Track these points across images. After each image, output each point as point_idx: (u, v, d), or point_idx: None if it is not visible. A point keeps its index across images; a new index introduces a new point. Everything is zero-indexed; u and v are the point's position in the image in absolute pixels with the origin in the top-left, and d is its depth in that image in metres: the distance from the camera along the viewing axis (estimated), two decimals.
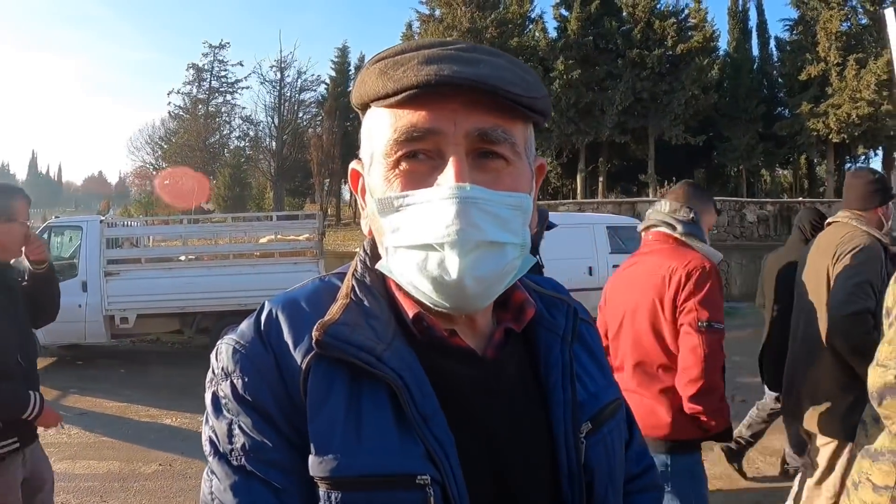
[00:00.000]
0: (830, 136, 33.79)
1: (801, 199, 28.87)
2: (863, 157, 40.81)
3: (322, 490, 0.90)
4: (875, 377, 2.70)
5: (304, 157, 43.62)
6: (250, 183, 49.87)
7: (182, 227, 13.76)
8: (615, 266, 13.77)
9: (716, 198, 18.93)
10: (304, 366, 0.95)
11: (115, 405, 8.95)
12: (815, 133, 33.95)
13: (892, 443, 2.77)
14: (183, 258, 12.39)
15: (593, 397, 1.13)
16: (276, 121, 44.55)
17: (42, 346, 10.89)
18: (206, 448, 0.98)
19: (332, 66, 48.49)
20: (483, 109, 0.93)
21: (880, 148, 37.17)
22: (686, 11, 36.38)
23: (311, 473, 0.91)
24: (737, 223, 22.38)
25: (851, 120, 32.48)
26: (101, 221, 11.74)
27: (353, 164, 1.12)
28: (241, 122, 48.12)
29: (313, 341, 0.95)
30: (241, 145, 48.72)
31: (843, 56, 33.28)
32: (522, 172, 1.00)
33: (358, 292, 1.04)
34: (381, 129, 0.98)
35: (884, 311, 2.90)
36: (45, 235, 11.59)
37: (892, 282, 2.90)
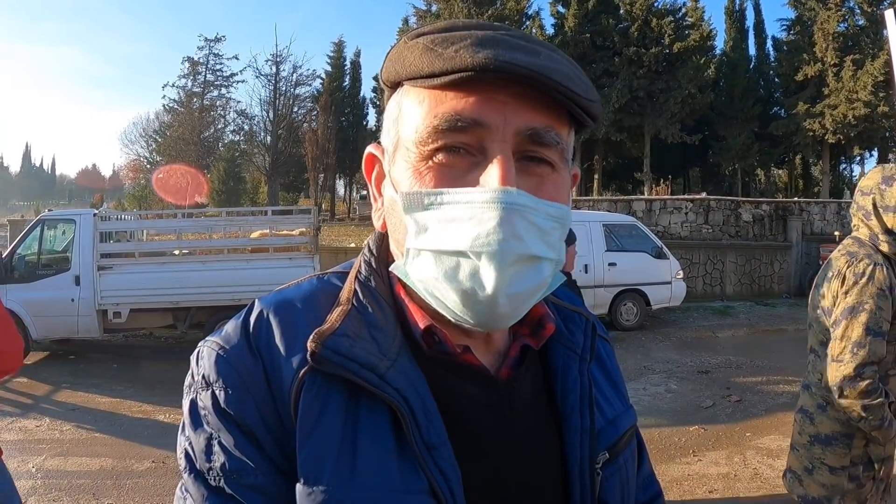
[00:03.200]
0: (826, 137, 33.92)
1: (796, 198, 28.93)
2: (858, 158, 41.05)
3: None
4: (833, 372, 2.97)
5: (299, 152, 43.58)
6: (245, 177, 49.90)
7: (176, 221, 13.67)
8: (611, 264, 13.87)
9: (711, 197, 19.07)
10: (296, 381, 0.84)
11: (107, 401, 8.87)
12: (811, 133, 34.08)
13: (843, 427, 3.09)
14: (177, 252, 12.31)
15: (611, 424, 1.03)
16: (271, 115, 44.57)
17: (34, 340, 10.89)
18: (182, 462, 0.87)
19: (328, 61, 48.51)
20: (536, 106, 0.83)
21: (876, 149, 37.30)
22: (683, 10, 36.45)
23: (297, 499, 0.81)
24: (732, 222, 22.37)
25: (847, 121, 32.59)
26: (95, 215, 11.66)
27: (371, 148, 0.98)
28: (235, 116, 48.19)
29: (308, 354, 0.84)
30: (236, 139, 48.75)
31: (840, 57, 33.39)
32: (564, 181, 0.90)
33: (361, 298, 0.92)
34: (415, 112, 0.86)
35: (819, 311, 3.19)
36: (38, 229, 11.56)
37: (824, 283, 3.17)
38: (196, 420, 0.86)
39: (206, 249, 12.19)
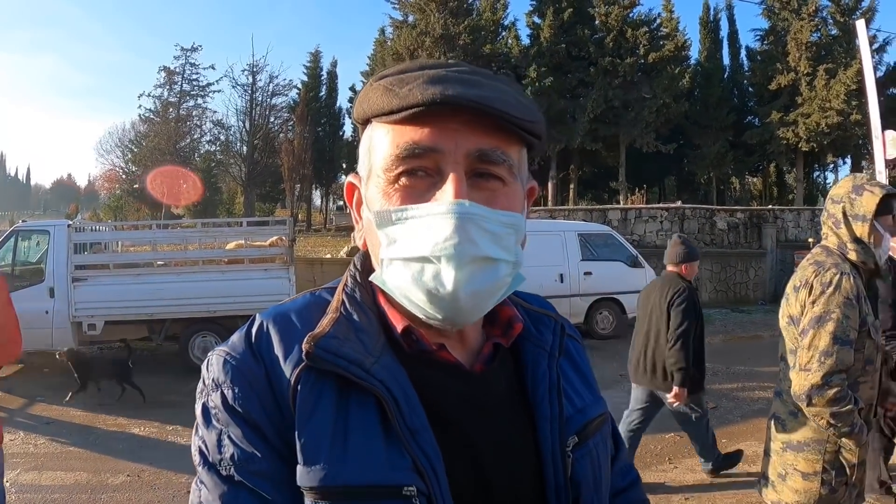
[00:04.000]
0: (800, 145, 34.43)
1: (770, 206, 29.21)
2: (831, 166, 41.59)
3: (309, 500, 0.92)
4: (800, 380, 3.02)
5: (275, 163, 43.54)
6: (221, 188, 49.69)
7: (151, 232, 13.58)
8: (586, 273, 13.95)
9: (685, 205, 19.15)
10: (293, 378, 0.96)
11: (82, 414, 8.80)
12: (785, 142, 34.56)
13: (814, 433, 3.14)
14: (161, 263, 12.22)
15: (579, 412, 1.14)
16: (248, 125, 44.49)
17: None
18: (196, 458, 0.99)
19: (305, 71, 48.62)
20: (483, 130, 0.95)
21: (849, 157, 37.82)
22: (658, 21, 36.90)
23: (299, 484, 0.92)
24: (707, 230, 22.57)
25: (821, 129, 33.11)
26: (69, 226, 11.54)
27: (350, 178, 1.12)
28: (211, 126, 48.04)
29: (303, 353, 0.96)
30: (212, 149, 48.57)
31: (813, 66, 33.90)
32: (516, 193, 1.02)
33: (348, 306, 1.05)
34: (382, 144, 0.99)
35: (788, 320, 3.24)
36: (12, 240, 11.44)
37: (790, 290, 3.24)
38: (207, 420, 0.99)
39: (181, 261, 12.08)
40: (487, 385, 1.06)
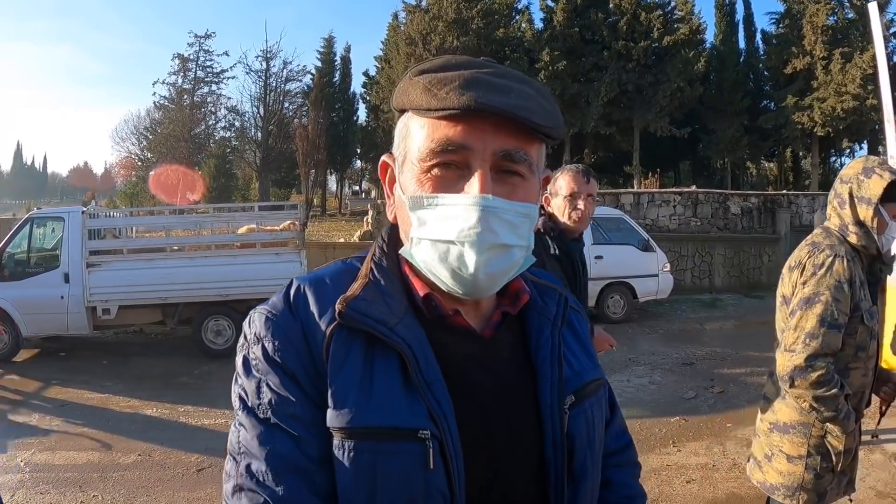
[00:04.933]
0: (815, 130, 34.10)
1: (785, 191, 29.02)
2: (847, 151, 41.18)
3: (337, 439, 1.05)
4: (784, 361, 3.01)
5: (290, 148, 43.56)
6: (236, 174, 49.74)
7: (164, 217, 13.65)
8: (597, 257, 13.95)
9: (700, 189, 19.05)
10: (327, 333, 1.09)
11: (96, 396, 8.95)
12: (800, 126, 34.25)
13: (800, 415, 3.13)
14: (166, 249, 12.32)
15: (577, 375, 1.26)
16: (262, 111, 44.50)
17: (24, 337, 10.93)
18: (236, 403, 1.12)
19: (318, 57, 48.48)
20: (508, 132, 1.07)
21: (865, 142, 37.46)
22: (673, 3, 36.57)
23: (329, 425, 1.05)
24: (720, 215, 22.46)
25: (836, 113, 32.78)
26: (83, 212, 11.67)
27: (385, 158, 1.25)
28: (226, 112, 48.04)
29: (336, 313, 1.09)
30: (227, 136, 48.56)
31: (828, 50, 33.52)
32: (533, 186, 1.15)
33: (376, 273, 1.18)
34: (418, 135, 1.11)
35: (780, 300, 3.24)
36: (27, 227, 11.59)
37: (785, 270, 3.23)
38: (248, 370, 1.12)
39: (194, 246, 12.19)
40: (495, 348, 1.20)
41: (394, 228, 1.24)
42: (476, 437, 1.10)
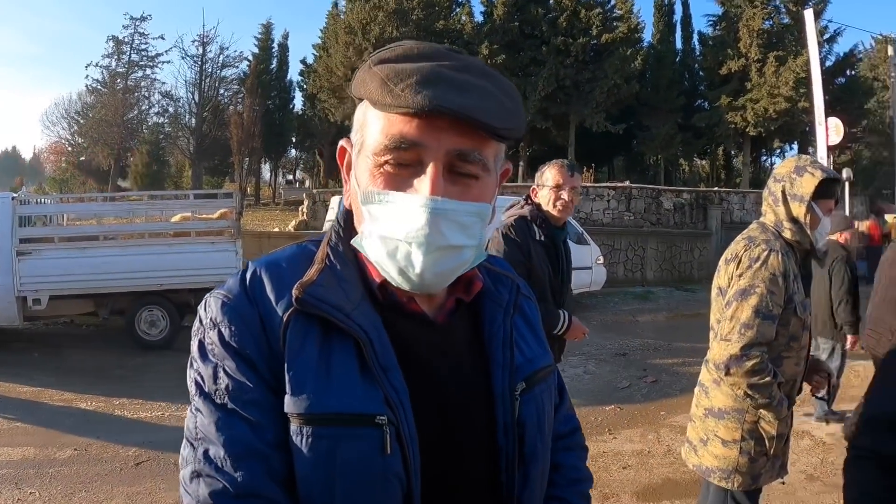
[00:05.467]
0: (748, 129, 35.10)
1: (717, 188, 29.75)
2: (778, 151, 42.49)
3: (295, 425, 1.05)
4: (720, 350, 3.14)
5: (224, 136, 42.90)
6: (169, 161, 48.88)
7: (96, 205, 13.35)
8: None
9: (633, 185, 19.39)
10: (284, 319, 1.09)
11: (28, 390, 8.71)
12: (733, 126, 35.20)
13: (734, 402, 3.26)
14: (99, 237, 11.98)
15: (528, 361, 1.29)
16: (197, 97, 43.75)
17: None
18: (192, 389, 1.11)
19: (256, 43, 47.78)
20: (464, 132, 1.06)
21: (795, 142, 38.65)
22: (612, 2, 37.13)
23: (287, 411, 1.06)
24: (653, 210, 22.94)
25: (768, 114, 33.81)
26: (13, 198, 11.26)
27: (343, 142, 1.25)
28: (160, 97, 47.04)
29: (293, 298, 1.09)
30: (160, 122, 47.64)
31: (763, 53, 34.47)
32: (488, 185, 1.15)
33: (332, 258, 1.18)
34: (374, 127, 1.11)
35: (716, 291, 3.37)
36: None
37: (721, 263, 3.36)
38: (204, 355, 1.11)
39: (127, 234, 11.85)
40: (449, 334, 1.21)
41: (349, 214, 1.24)
42: (431, 423, 1.12)
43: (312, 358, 1.08)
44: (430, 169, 1.06)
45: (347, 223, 1.24)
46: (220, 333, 1.10)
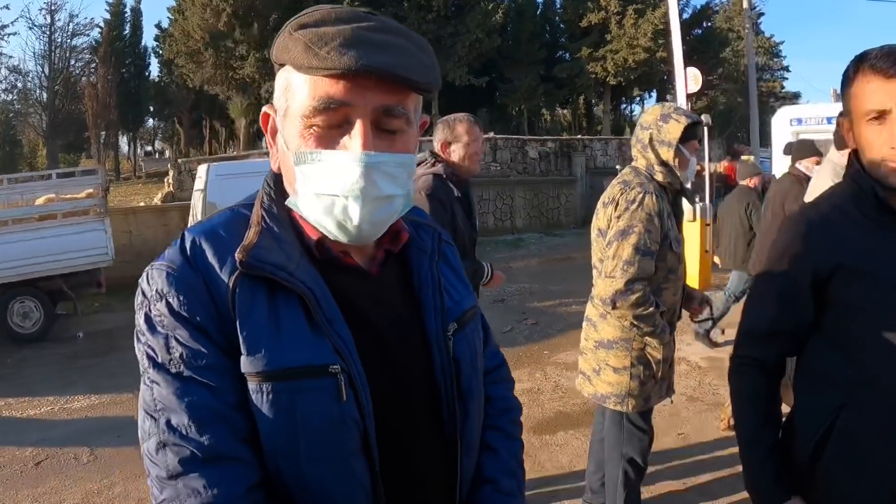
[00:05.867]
0: (608, 79, 36.22)
1: (580, 136, 30.65)
2: (637, 99, 44.09)
3: (254, 384, 1.12)
4: (605, 286, 3.44)
5: (79, 109, 40.52)
6: (20, 140, 46.18)
7: None
8: None
9: (498, 136, 19.68)
10: (230, 283, 1.14)
11: None
12: (594, 76, 36.19)
13: (621, 332, 3.59)
14: None
15: (457, 304, 1.39)
16: (47, 70, 41.13)
17: None
18: (144, 362, 1.14)
19: (107, 9, 45.03)
20: (388, 89, 1.14)
21: (654, 90, 40.36)
22: None
23: (244, 370, 1.12)
24: (519, 160, 23.46)
25: (628, 65, 34.97)
26: None
27: (266, 109, 1.29)
28: (7, 73, 43.80)
29: (238, 262, 1.14)
30: (9, 99, 44.58)
31: (622, 6, 35.40)
32: (412, 136, 1.24)
33: (268, 221, 1.22)
34: (299, 91, 1.16)
35: (597, 232, 3.65)
36: None
37: (599, 206, 3.63)
38: (152, 327, 1.14)
39: None
40: (383, 284, 1.31)
41: (278, 177, 1.29)
42: (376, 367, 1.20)
43: (262, 318, 1.13)
44: (358, 126, 1.13)
45: (278, 185, 1.29)
46: (168, 304, 1.13)
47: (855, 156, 1.82)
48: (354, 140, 1.14)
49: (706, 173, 15.67)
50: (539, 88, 37.55)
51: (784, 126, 13.43)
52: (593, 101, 43.62)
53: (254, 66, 32.08)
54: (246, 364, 1.12)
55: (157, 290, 1.15)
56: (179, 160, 26.24)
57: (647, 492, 4.47)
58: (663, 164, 3.56)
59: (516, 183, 22.17)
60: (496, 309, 10.52)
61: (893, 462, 1.72)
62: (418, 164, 4.13)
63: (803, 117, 13.97)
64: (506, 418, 1.56)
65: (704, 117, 13.42)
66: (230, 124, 41.98)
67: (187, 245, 1.19)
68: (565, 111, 49.92)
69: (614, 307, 3.43)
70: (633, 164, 3.70)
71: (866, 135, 1.72)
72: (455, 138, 4.12)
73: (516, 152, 23.51)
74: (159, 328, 1.13)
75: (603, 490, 4.06)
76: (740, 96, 39.84)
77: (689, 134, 3.56)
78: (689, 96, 12.30)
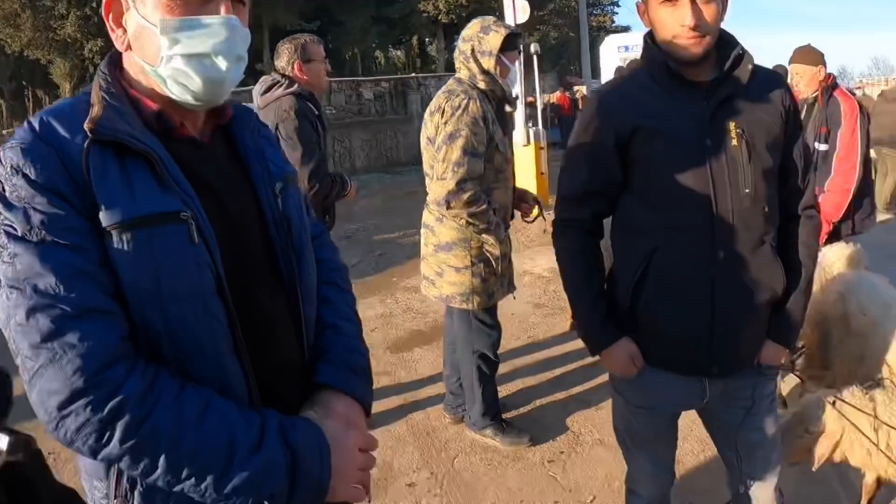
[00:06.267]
0: (440, 17, 36.28)
1: (413, 74, 30.68)
2: None
3: (115, 235, 1.21)
4: (439, 188, 3.61)
5: None
6: None
7: None
8: None
9: (333, 79, 19.23)
10: (83, 151, 1.22)
11: None
12: (426, 14, 36.18)
13: (459, 233, 3.77)
14: None
15: (280, 168, 1.59)
16: None
17: None
18: (2, 240, 1.18)
19: None
20: None
21: None
22: None
23: (104, 224, 1.21)
24: (354, 101, 23.28)
25: (459, 2, 35.20)
26: None
27: None
28: None
29: (87, 132, 1.23)
30: None
31: None
32: (247, 14, 1.43)
33: (108, 99, 1.32)
34: None
35: (427, 140, 3.81)
36: None
37: (427, 116, 3.80)
38: (8, 204, 1.19)
39: None
40: (214, 152, 1.47)
41: (113, 59, 1.42)
42: (218, 222, 1.34)
43: (115, 178, 1.23)
44: None
45: (116, 67, 1.41)
46: (24, 176, 1.19)
47: (650, 36, 2.07)
48: (219, 7, 1.32)
49: (538, 104, 16.26)
50: (371, 30, 37.22)
51: (612, 53, 13.96)
52: (427, 41, 43.68)
53: (75, 25, 30.11)
54: (105, 218, 1.21)
55: (12, 166, 1.20)
56: (4, 131, 24.55)
57: (503, 390, 4.71)
58: (485, 72, 3.74)
59: (353, 125, 22.05)
60: (343, 245, 10.43)
61: (701, 294, 2.02)
62: (272, 86, 4.12)
63: (630, 44, 14.58)
64: (336, 275, 1.77)
65: (533, 46, 13.84)
66: (54, 90, 39.22)
67: (36, 124, 1.27)
68: (399, 52, 49.73)
69: (449, 207, 3.59)
70: (457, 74, 3.87)
71: (660, 16, 1.97)
72: (310, 57, 4.16)
73: (351, 94, 23.26)
74: (16, 203, 1.19)
75: (462, 392, 4.27)
76: (572, 31, 40.82)
77: (509, 44, 3.76)
78: (518, 27, 12.64)
